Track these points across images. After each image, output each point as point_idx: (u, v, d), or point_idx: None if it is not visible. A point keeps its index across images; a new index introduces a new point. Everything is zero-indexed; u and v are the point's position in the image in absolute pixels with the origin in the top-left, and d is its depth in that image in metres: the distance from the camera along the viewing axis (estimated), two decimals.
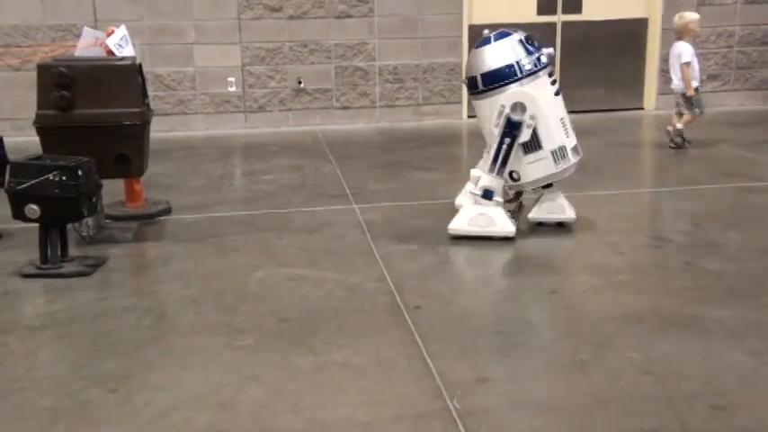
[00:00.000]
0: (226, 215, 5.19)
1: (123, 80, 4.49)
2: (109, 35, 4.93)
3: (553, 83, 4.53)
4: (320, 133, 7.83)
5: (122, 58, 4.72)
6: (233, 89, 7.96)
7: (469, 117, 8.47)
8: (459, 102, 8.43)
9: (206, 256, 4.41)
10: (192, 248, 4.55)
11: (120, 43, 4.82)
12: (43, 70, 4.42)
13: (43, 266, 4.11)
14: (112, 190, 5.18)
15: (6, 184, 4.02)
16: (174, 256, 4.51)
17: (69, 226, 4.31)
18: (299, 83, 8.07)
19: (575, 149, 4.60)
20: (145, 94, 4.72)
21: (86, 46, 4.99)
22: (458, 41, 8.29)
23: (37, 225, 4.11)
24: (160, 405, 2.88)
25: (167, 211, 5.16)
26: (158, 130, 7.77)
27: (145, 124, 4.61)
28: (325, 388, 3.01)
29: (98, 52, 4.92)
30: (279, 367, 3.16)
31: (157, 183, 5.94)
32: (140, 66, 4.70)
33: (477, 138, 8.42)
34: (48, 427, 2.74)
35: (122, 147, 4.51)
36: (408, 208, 5.29)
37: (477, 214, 4.48)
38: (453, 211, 4.72)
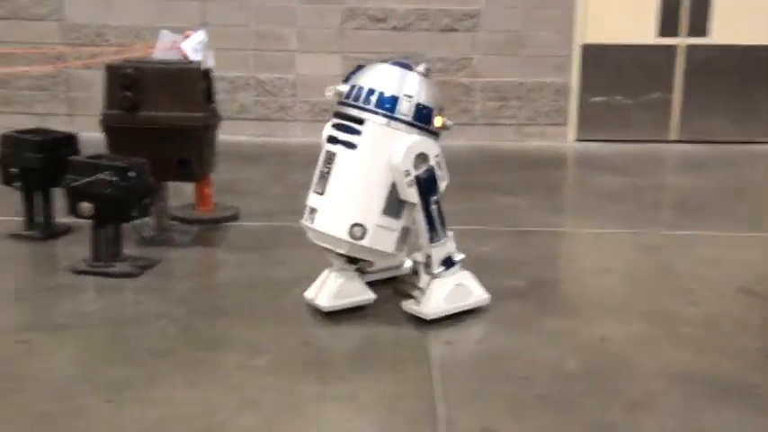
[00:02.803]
0: (288, 225, 5.11)
1: (186, 84, 4.49)
2: (186, 38, 4.97)
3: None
4: None
5: (188, 62, 4.75)
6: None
7: (578, 141, 8.09)
8: (565, 124, 8.05)
9: (253, 267, 4.34)
10: (243, 258, 4.49)
11: (196, 47, 4.85)
12: (111, 71, 4.50)
13: (93, 264, 4.17)
14: (186, 192, 5.24)
15: (63, 180, 4.10)
16: (224, 264, 4.47)
17: (128, 226, 4.37)
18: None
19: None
20: (210, 99, 4.71)
21: (164, 48, 5.06)
22: (567, 61, 7.92)
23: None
24: (148, 421, 2.80)
25: (234, 218, 5.15)
26: (258, 135, 7.88)
27: (206, 129, 4.60)
28: (319, 422, 2.85)
29: (175, 55, 4.98)
30: (282, 394, 3.02)
31: (238, 188, 5.96)
32: (207, 71, 4.70)
33: (579, 164, 8.12)
34: (30, 431, 2.73)
35: (183, 150, 4.52)
36: (478, 232, 5.04)
37: (454, 287, 3.68)
38: (527, 236, 4.43)
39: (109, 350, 3.33)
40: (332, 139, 3.57)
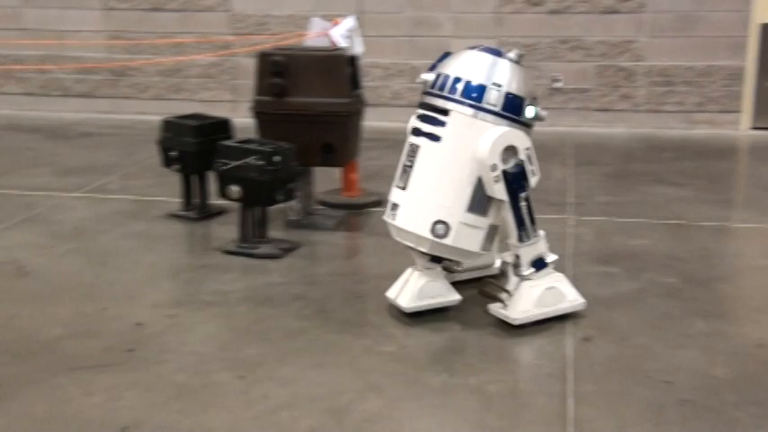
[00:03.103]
0: None
1: (332, 70, 4.54)
2: (335, 26, 5.03)
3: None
4: (571, 135, 7.40)
5: (335, 49, 4.79)
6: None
7: (753, 129, 7.51)
8: (739, 110, 7.49)
9: (390, 254, 4.33)
10: (382, 244, 4.49)
11: (345, 34, 4.89)
12: (262, 58, 4.62)
13: (240, 245, 4.32)
14: (335, 177, 5.31)
15: (214, 164, 4.27)
16: (363, 249, 4.50)
17: (275, 208, 4.49)
18: (556, 81, 7.69)
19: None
20: (355, 86, 4.74)
21: (315, 36, 5.14)
22: (742, 42, 7.35)
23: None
24: (275, 400, 2.86)
25: (378, 204, 5.17)
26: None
27: (350, 115, 4.63)
28: (443, 413, 2.79)
29: (325, 42, 5.04)
30: (408, 382, 2.99)
31: (385, 174, 5.96)
32: (354, 57, 4.73)
33: (753, 154, 7.51)
34: (168, 401, 2.85)
35: (328, 136, 4.58)
36: (631, 225, 4.79)
37: (545, 290, 3.44)
38: (685, 230, 4.15)
39: (246, 328, 3.44)
40: (416, 131, 3.41)
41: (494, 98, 3.26)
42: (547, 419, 2.74)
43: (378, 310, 3.61)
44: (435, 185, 3.34)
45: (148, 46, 8.02)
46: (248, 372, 3.07)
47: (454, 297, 3.57)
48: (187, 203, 4.90)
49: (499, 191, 3.30)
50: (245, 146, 4.25)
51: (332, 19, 5.31)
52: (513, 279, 3.47)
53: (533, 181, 3.39)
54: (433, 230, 3.32)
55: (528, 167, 3.35)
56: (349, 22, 5.11)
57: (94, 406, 2.81)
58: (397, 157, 6.39)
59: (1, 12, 8.28)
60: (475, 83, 3.27)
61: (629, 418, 2.74)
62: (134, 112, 8.10)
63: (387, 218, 3.50)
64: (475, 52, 3.38)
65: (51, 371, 3.04)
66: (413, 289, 3.50)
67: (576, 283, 3.86)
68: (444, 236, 3.32)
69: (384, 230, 4.81)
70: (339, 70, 4.57)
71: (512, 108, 3.29)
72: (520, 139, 3.32)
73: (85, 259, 4.21)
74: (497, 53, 3.36)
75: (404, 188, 3.41)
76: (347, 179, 5.21)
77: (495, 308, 3.48)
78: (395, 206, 3.45)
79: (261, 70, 4.60)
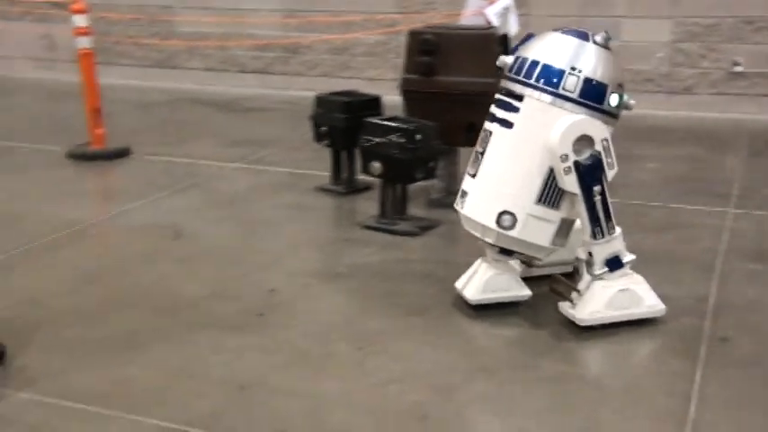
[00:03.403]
0: None
1: (480, 50, 4.48)
2: (491, 4, 4.97)
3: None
4: (749, 123, 6.89)
5: (486, 28, 4.73)
6: (663, 67, 7.42)
7: None
8: None
9: None
10: None
11: (499, 12, 4.83)
12: (412, 36, 4.65)
13: (380, 221, 4.40)
14: None
15: (359, 140, 4.37)
16: None
17: (419, 187, 4.54)
18: (736, 65, 7.17)
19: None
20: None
21: (471, 14, 5.11)
22: None
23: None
24: (386, 374, 2.92)
25: None
26: None
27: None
28: (553, 400, 2.73)
29: (480, 21, 5.00)
30: (522, 368, 2.96)
31: None
32: (505, 36, 4.65)
33: None
34: (287, 365, 2.98)
35: (472, 116, 4.51)
36: None
37: (618, 292, 3.20)
38: None
39: (374, 303, 3.51)
40: (491, 117, 3.26)
41: (572, 84, 3.05)
42: (662, 418, 2.62)
43: None
44: (504, 174, 3.20)
45: (320, 24, 8.29)
46: (367, 344, 3.14)
47: (523, 292, 3.43)
48: (336, 178, 5.06)
49: (570, 183, 3.10)
50: (389, 123, 4.32)
51: None
52: (585, 277, 3.27)
53: (610, 174, 3.17)
54: (498, 221, 3.17)
55: (604, 160, 3.13)
56: (504, 1, 5.04)
57: (220, 364, 2.99)
58: None
59: None
60: (553, 67, 3.08)
61: (753, 426, 2.56)
62: (303, 88, 8.42)
63: (456, 206, 3.38)
64: (558, 34, 3.18)
65: (188, 328, 3.26)
66: (479, 281, 3.38)
67: (722, 280, 3.65)
68: (511, 227, 3.17)
69: None
70: (488, 50, 4.51)
71: (592, 95, 3.07)
72: (597, 129, 3.10)
73: (236, 226, 4.46)
74: (583, 36, 3.14)
75: (474, 176, 3.29)
76: None
77: (564, 306, 3.30)
78: (464, 194, 3.34)
79: (410, 49, 4.64)
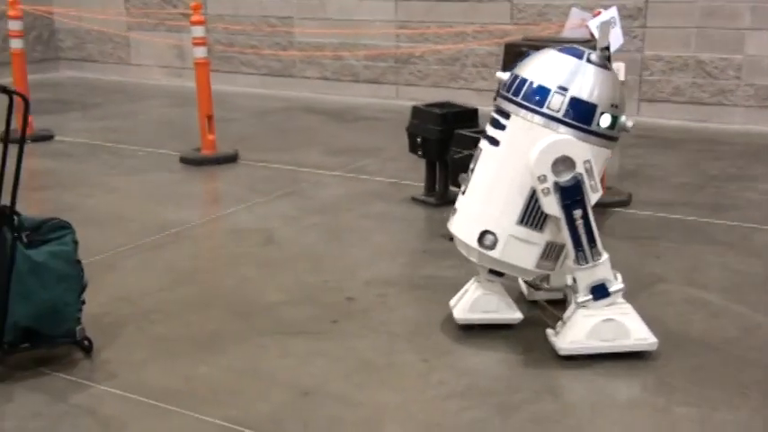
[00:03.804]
0: (680, 218, 4.73)
1: None
2: (595, 16, 4.85)
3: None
4: None
5: (581, 41, 4.61)
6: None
7: None
8: None
9: (623, 257, 4.11)
10: (616, 246, 4.25)
11: (601, 26, 4.70)
12: (508, 49, 4.61)
13: None
14: None
15: (449, 152, 4.37)
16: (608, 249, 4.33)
17: None
18: None
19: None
20: None
21: (573, 27, 5.00)
22: None
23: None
24: (449, 388, 2.92)
25: (623, 204, 4.93)
26: (688, 120, 7.34)
27: None
28: (619, 428, 2.65)
29: (583, 34, 4.89)
30: (591, 391, 2.89)
31: (641, 173, 5.67)
32: (604, 50, 4.52)
33: None
34: (350, 373, 3.03)
35: None
36: None
37: (601, 321, 3.06)
38: None
39: (444, 315, 3.47)
40: (484, 134, 3.20)
41: (556, 103, 2.94)
42: None
43: None
44: (488, 193, 3.12)
45: (431, 35, 8.35)
46: (433, 357, 3.15)
47: (513, 315, 3.33)
48: (429, 189, 5.07)
49: (549, 205, 2.99)
50: (479, 136, 4.29)
51: (596, 10, 5.14)
52: (572, 305, 3.14)
53: (594, 198, 3.02)
54: (480, 240, 3.10)
55: (587, 182, 2.99)
56: (610, 13, 4.91)
57: (286, 368, 3.07)
58: (663, 157, 6.03)
59: (311, 2, 9.09)
60: (540, 85, 2.97)
61: None
62: (412, 98, 8.49)
63: (448, 224, 3.32)
64: (553, 52, 3.07)
65: (260, 331, 3.36)
66: (467, 300, 3.32)
67: None
68: (491, 247, 3.09)
69: (623, 232, 4.63)
70: None
71: (579, 115, 2.95)
72: (578, 150, 2.96)
73: (324, 233, 4.56)
74: (578, 54, 3.03)
75: (463, 193, 3.24)
76: None
77: (549, 333, 3.19)
78: (454, 211, 3.28)
79: (506, 61, 4.59)
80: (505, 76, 3.15)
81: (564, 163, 2.96)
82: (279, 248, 4.35)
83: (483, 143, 3.20)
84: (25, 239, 2.96)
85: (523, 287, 3.56)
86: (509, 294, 3.37)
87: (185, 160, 6.07)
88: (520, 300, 3.51)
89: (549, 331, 3.21)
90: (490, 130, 3.16)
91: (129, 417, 2.74)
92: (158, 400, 2.82)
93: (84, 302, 3.12)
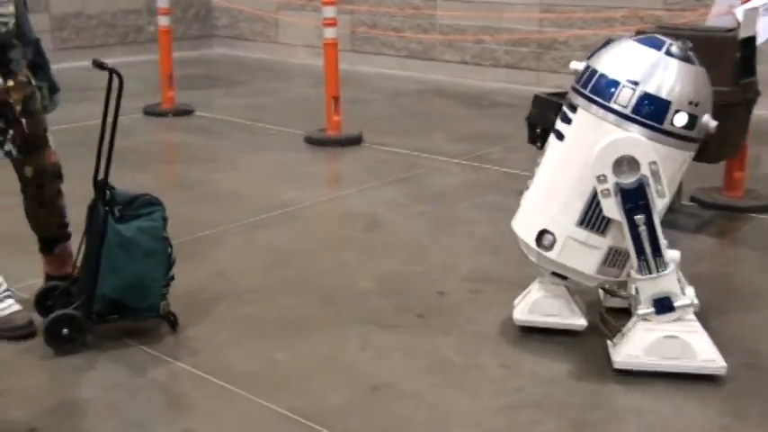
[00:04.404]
0: None
1: (714, 55, 3.97)
2: (743, 3, 4.42)
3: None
4: None
5: (721, 31, 4.21)
6: None
7: None
8: None
9: (749, 270, 3.78)
10: (746, 256, 3.98)
11: (748, 13, 4.28)
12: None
13: None
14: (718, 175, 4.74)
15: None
16: (720, 258, 3.98)
17: None
18: None
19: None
20: (748, 72, 4.14)
21: (719, 14, 4.59)
22: None
23: None
24: (524, 398, 2.78)
25: (764, 209, 4.51)
26: None
27: (731, 106, 4.05)
28: None
29: (729, 22, 4.48)
30: (677, 413, 2.63)
31: None
32: (749, 39, 4.11)
33: None
34: (426, 371, 2.93)
35: None
36: None
37: (663, 337, 2.80)
38: None
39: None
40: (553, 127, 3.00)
41: (624, 97, 2.71)
42: None
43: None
44: (549, 190, 2.95)
45: (577, 20, 7.98)
46: (514, 362, 2.99)
47: (576, 321, 3.12)
48: None
49: (609, 208, 2.78)
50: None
51: None
52: (633, 317, 2.91)
53: (660, 204, 2.78)
54: (538, 240, 2.93)
55: (652, 186, 2.74)
56: (759, 0, 4.46)
57: (363, 360, 3.01)
58: None
59: None
60: (609, 78, 2.75)
61: None
62: (552, 85, 8.16)
63: (512, 221, 3.16)
64: (630, 43, 2.81)
65: (346, 320, 3.32)
66: (528, 301, 3.16)
67: None
68: (549, 248, 2.92)
69: (760, 241, 4.23)
70: (723, 55, 4.04)
71: (648, 112, 2.72)
72: (643, 150, 2.72)
73: (430, 222, 4.44)
74: (657, 45, 2.75)
75: (528, 189, 3.09)
76: (729, 177, 4.62)
77: (609, 344, 2.97)
78: (519, 208, 3.12)
79: None
80: (580, 65, 2.93)
81: (628, 163, 2.74)
82: (382, 235, 4.28)
83: (551, 137, 3.01)
84: (117, 214, 3.05)
85: (600, 292, 3.31)
86: (579, 298, 3.17)
87: (310, 140, 6.11)
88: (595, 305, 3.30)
89: (610, 343, 2.98)
90: (558, 124, 2.97)
91: (199, 396, 2.77)
92: (230, 382, 2.83)
93: (173, 278, 3.18)
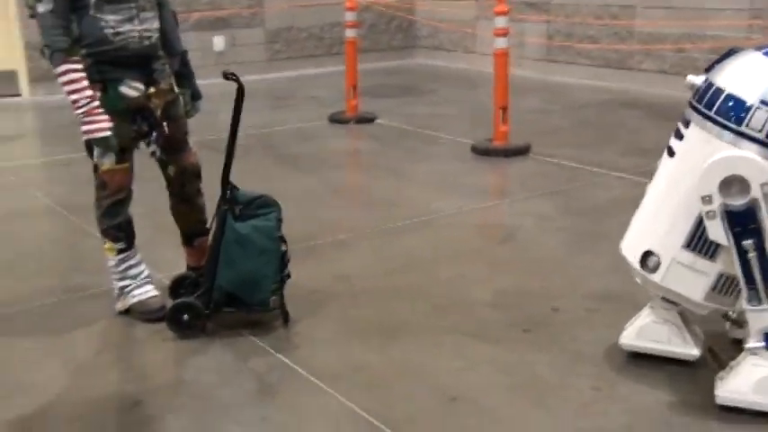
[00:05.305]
0: None
1: None
2: None
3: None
4: None
5: None
6: None
7: None
8: None
9: None
10: None
11: None
12: None
13: None
14: None
15: None
16: None
17: None
18: None
19: None
20: None
21: None
22: None
23: None
24: (609, 421, 2.65)
25: None
26: None
27: None
28: None
29: None
30: None
31: None
32: None
33: None
34: (510, 387, 2.88)
35: None
36: None
37: None
38: None
39: None
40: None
41: (759, 120, 2.48)
42: None
43: None
44: (656, 209, 2.82)
45: None
46: (607, 385, 2.85)
47: (687, 350, 2.93)
48: None
49: (715, 231, 2.59)
50: None
51: None
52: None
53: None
54: (643, 261, 2.80)
55: (764, 209, 2.53)
56: None
57: (450, 370, 3.00)
58: None
59: None
60: (736, 96, 2.51)
61: None
62: None
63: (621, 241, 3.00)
64: (756, 55, 2.55)
65: (447, 329, 3.32)
66: (636, 326, 3.01)
67: None
68: (653, 270, 2.78)
69: None
70: None
71: None
72: (755, 170, 2.51)
73: (571, 237, 4.31)
74: None
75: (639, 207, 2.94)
76: None
77: (718, 376, 2.76)
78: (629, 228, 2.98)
79: None
80: (699, 80, 2.70)
81: (738, 184, 2.52)
82: (515, 248, 4.22)
83: (664, 154, 2.82)
84: (237, 213, 3.28)
85: (727, 323, 3.06)
86: (698, 327, 2.98)
87: (476, 150, 6.13)
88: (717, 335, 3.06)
89: (719, 374, 2.75)
90: (672, 140, 2.77)
91: (286, 387, 2.91)
92: (319, 377, 2.94)
93: (288, 276, 3.35)
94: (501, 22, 6.05)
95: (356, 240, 4.39)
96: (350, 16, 7.37)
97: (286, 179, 5.51)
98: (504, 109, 6.10)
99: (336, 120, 7.35)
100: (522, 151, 6.05)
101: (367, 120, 7.34)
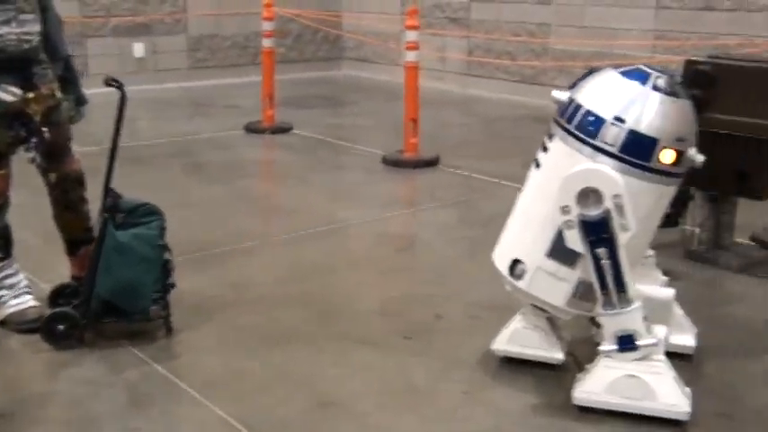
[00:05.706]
0: None
1: (762, 87, 3.73)
2: None
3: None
4: None
5: None
6: None
7: None
8: None
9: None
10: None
11: None
12: (686, 66, 4.05)
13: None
14: None
15: None
16: (752, 299, 3.67)
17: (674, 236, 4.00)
18: None
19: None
20: None
21: None
22: None
23: None
24: (471, 426, 2.71)
25: None
26: None
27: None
28: None
29: None
30: None
31: None
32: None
33: None
34: (383, 395, 2.92)
35: (741, 161, 3.81)
36: None
37: (624, 376, 2.71)
38: None
39: None
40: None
41: (612, 135, 2.61)
42: None
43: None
44: (523, 219, 2.94)
45: (690, 47, 7.58)
46: (476, 390, 2.94)
47: (552, 355, 3.05)
48: None
49: (572, 239, 2.70)
50: None
51: None
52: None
53: (624, 237, 2.64)
54: (511, 269, 2.90)
55: (615, 220, 2.63)
56: None
57: (328, 377, 3.03)
58: None
59: (569, 10, 8.76)
60: (594, 113, 2.64)
61: None
62: None
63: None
64: (612, 74, 2.69)
65: (331, 337, 3.35)
66: (507, 331, 3.12)
67: None
68: (519, 278, 2.88)
69: None
70: None
71: (634, 150, 2.62)
72: (608, 183, 2.62)
73: (471, 247, 4.36)
74: (643, 78, 2.62)
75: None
76: None
77: (576, 378, 2.89)
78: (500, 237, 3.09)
79: (685, 80, 4.05)
80: (563, 96, 2.80)
81: (592, 195, 2.63)
82: (413, 257, 4.30)
83: (531, 166, 2.93)
84: (120, 220, 3.26)
85: (593, 328, 3.13)
86: (566, 332, 3.09)
87: (386, 161, 6.20)
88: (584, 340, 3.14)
89: (576, 378, 2.87)
90: (538, 153, 2.88)
91: (160, 398, 2.89)
92: (193, 387, 2.93)
93: (173, 285, 3.33)
94: (412, 36, 6.15)
95: (258, 249, 4.39)
96: (267, 26, 7.37)
97: (195, 187, 5.48)
98: (415, 121, 6.19)
99: (252, 129, 7.33)
100: (431, 163, 6.13)
101: (283, 130, 7.33)
